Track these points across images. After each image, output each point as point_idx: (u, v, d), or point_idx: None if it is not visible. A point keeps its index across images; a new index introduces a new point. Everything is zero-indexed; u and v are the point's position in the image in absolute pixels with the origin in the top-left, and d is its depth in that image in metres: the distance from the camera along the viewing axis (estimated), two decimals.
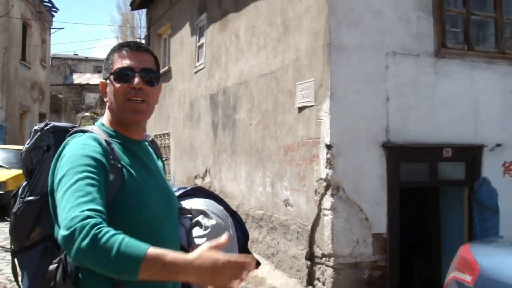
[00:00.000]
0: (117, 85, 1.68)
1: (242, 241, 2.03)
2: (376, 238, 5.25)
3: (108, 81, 1.72)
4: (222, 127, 8.11)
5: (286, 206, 5.97)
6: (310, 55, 5.45)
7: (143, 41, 14.29)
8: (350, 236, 5.18)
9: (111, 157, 1.56)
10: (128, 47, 1.73)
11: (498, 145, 5.72)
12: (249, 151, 7.04)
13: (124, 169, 1.59)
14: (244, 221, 2.23)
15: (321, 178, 5.20)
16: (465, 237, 5.63)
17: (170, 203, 1.77)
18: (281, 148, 6.08)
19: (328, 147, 5.06)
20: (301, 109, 5.64)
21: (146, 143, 1.84)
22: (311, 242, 5.41)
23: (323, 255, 5.18)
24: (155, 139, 2.02)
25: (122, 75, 1.68)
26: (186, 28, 10.09)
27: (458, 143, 5.53)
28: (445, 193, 6.06)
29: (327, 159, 5.08)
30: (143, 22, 25.52)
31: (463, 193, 5.69)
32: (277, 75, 6.22)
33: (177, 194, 1.93)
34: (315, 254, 5.33)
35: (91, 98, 29.33)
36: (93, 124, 1.79)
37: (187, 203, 1.92)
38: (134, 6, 14.07)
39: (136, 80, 1.67)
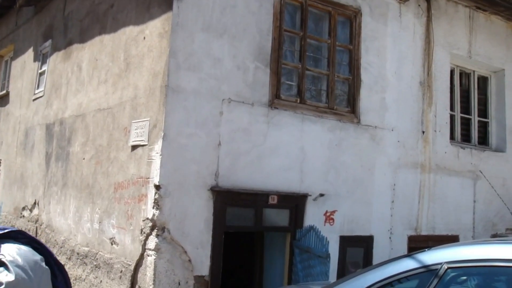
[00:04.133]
0: None
1: None
2: (198, 280, 5.94)
3: None
4: (55, 159, 8.42)
5: (112, 244, 6.44)
6: (148, 95, 6.05)
7: None
8: (172, 278, 5.78)
9: None
10: None
11: (322, 195, 6.77)
12: (80, 185, 7.44)
13: None
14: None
15: (147, 218, 5.77)
16: (285, 281, 6.47)
17: None
18: (112, 185, 6.59)
19: (157, 187, 5.67)
20: (134, 147, 6.22)
21: None
22: (133, 282, 5.93)
23: None
24: None
25: None
26: (29, 53, 10.39)
27: (284, 191, 6.47)
28: (269, 238, 6.90)
29: (155, 199, 5.68)
30: None
31: (286, 239, 6.54)
32: (114, 111, 6.76)
33: None
34: None
35: None
36: None
37: (5, 249, 1.92)
38: None
39: None
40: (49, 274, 1.97)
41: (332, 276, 6.72)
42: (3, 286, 1.78)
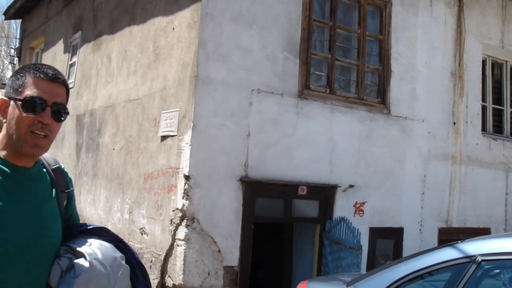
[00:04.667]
0: (24, 114, 1.76)
1: None
2: (227, 270, 5.93)
3: (12, 101, 1.79)
4: (85, 149, 8.50)
5: (142, 234, 6.49)
6: (177, 85, 6.08)
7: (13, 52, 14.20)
8: (202, 268, 5.80)
9: None
10: (44, 74, 1.81)
11: (351, 186, 6.73)
12: (110, 176, 7.50)
13: None
14: None
15: (177, 208, 5.79)
16: (314, 273, 6.46)
17: (39, 236, 1.81)
18: (142, 176, 6.62)
19: (186, 177, 5.69)
20: (164, 138, 6.23)
21: (43, 169, 1.97)
22: (163, 272, 5.97)
23: (174, 286, 5.75)
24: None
25: (32, 105, 1.76)
26: (60, 45, 10.47)
27: (314, 182, 6.43)
28: (299, 229, 6.88)
29: (185, 189, 5.70)
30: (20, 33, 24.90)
31: (316, 230, 6.52)
32: (143, 101, 6.80)
33: (78, 230, 2.02)
34: (166, 285, 5.90)
35: None
36: None
37: (82, 243, 1.96)
38: (8, 15, 13.99)
39: (46, 114, 1.78)
40: (129, 273, 2.00)
41: (362, 268, 6.69)
42: (79, 277, 1.81)
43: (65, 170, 2.18)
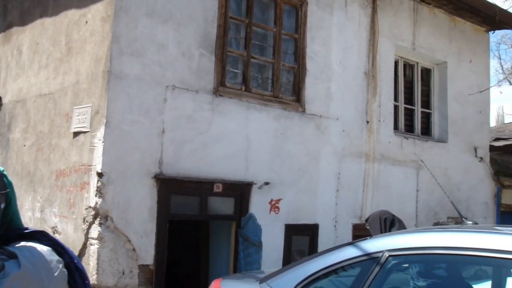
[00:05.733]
0: None
1: None
2: (142, 269, 6.06)
3: None
4: None
5: (54, 233, 6.55)
6: (90, 80, 6.14)
7: None
8: (116, 267, 5.88)
9: None
10: None
11: (267, 183, 7.01)
12: (21, 173, 7.45)
13: None
14: None
15: (90, 206, 5.87)
16: (230, 270, 6.67)
17: None
18: (53, 173, 6.65)
19: (99, 175, 5.76)
20: (76, 134, 6.29)
21: None
22: None
23: None
24: None
25: None
26: None
27: (229, 179, 6.66)
28: (215, 227, 7.08)
29: (98, 187, 5.77)
30: None
31: (231, 227, 6.76)
32: (55, 96, 6.81)
33: (17, 233, 2.08)
34: None
35: None
36: None
37: (17, 245, 2.02)
38: None
39: None
40: (66, 277, 2.05)
41: (278, 265, 6.98)
42: (9, 276, 1.87)
43: (4, 172, 2.21)
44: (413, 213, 9.36)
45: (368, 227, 5.75)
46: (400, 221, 5.56)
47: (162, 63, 6.47)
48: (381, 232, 5.36)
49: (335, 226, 8.11)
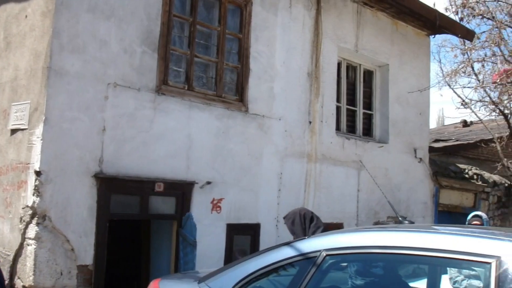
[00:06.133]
0: None
1: None
2: (81, 270, 6.07)
3: None
4: None
5: None
6: (29, 76, 6.10)
7: None
8: (54, 268, 5.87)
9: None
10: None
11: (208, 182, 7.10)
12: None
13: None
14: None
15: (27, 206, 5.84)
16: (172, 270, 6.73)
17: None
18: None
19: (37, 173, 5.75)
20: (14, 131, 6.23)
21: None
22: (13, 273, 5.98)
23: (24, 287, 5.68)
24: None
25: None
26: None
27: (170, 178, 6.72)
28: (156, 226, 7.11)
29: (35, 186, 5.75)
30: None
31: (173, 227, 6.83)
32: None
33: None
34: (16, 286, 5.86)
35: None
36: None
37: None
38: None
39: None
40: None
41: (219, 265, 7.07)
42: None
43: None
44: (354, 213, 9.63)
45: (285, 223, 5.92)
46: (318, 218, 5.82)
47: (104, 60, 6.46)
48: (302, 228, 5.60)
49: (276, 225, 8.27)
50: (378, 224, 9.85)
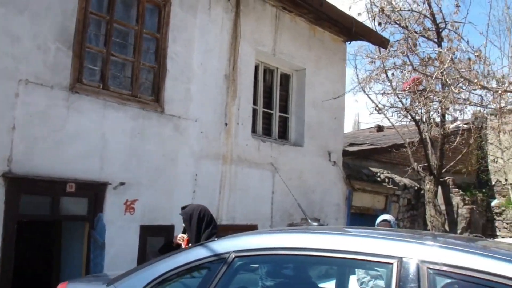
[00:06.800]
0: None
1: None
2: None
3: None
4: None
5: None
6: None
7: None
8: None
9: None
10: None
11: (122, 183, 7.15)
12: None
13: None
14: None
15: None
16: (83, 272, 6.72)
17: None
18: None
19: None
20: None
21: None
22: None
23: None
24: None
25: None
26: None
27: (83, 178, 6.74)
28: (68, 228, 7.08)
29: None
30: None
31: (85, 228, 6.82)
32: None
33: None
34: None
35: None
36: None
37: None
38: None
39: None
40: None
41: (132, 267, 7.11)
42: None
43: None
44: (268, 214, 9.90)
45: (181, 214, 6.05)
46: (215, 222, 6.08)
47: (16, 56, 6.37)
48: (198, 227, 5.78)
49: None
50: (292, 225, 10.16)
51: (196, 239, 5.69)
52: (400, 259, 2.89)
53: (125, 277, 3.94)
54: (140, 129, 7.67)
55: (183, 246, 5.80)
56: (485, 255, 2.89)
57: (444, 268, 2.79)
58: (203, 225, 5.84)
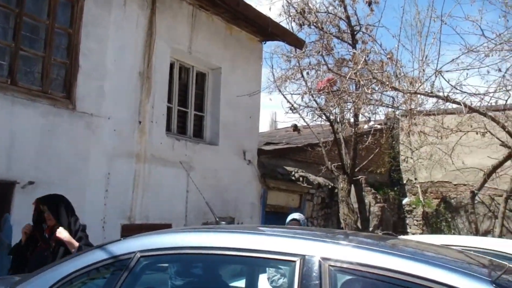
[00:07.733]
0: None
1: None
2: None
3: None
4: None
5: None
6: None
7: None
8: None
9: None
10: None
11: (31, 182, 7.02)
12: None
13: None
14: None
15: None
16: None
17: None
18: None
19: None
20: None
21: None
22: None
23: None
24: None
25: None
26: None
27: None
28: None
29: None
30: None
31: None
32: None
33: None
34: None
35: None
36: None
37: None
38: None
39: None
40: None
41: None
42: None
43: None
44: (183, 213, 9.99)
45: (45, 205, 5.98)
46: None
47: None
48: (66, 213, 5.86)
49: (103, 227, 8.36)
50: (207, 224, 10.28)
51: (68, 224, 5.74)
52: (303, 257, 2.96)
53: (29, 279, 3.87)
54: (50, 127, 7.57)
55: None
56: (386, 252, 3.01)
57: (345, 266, 2.91)
58: (69, 214, 5.91)
